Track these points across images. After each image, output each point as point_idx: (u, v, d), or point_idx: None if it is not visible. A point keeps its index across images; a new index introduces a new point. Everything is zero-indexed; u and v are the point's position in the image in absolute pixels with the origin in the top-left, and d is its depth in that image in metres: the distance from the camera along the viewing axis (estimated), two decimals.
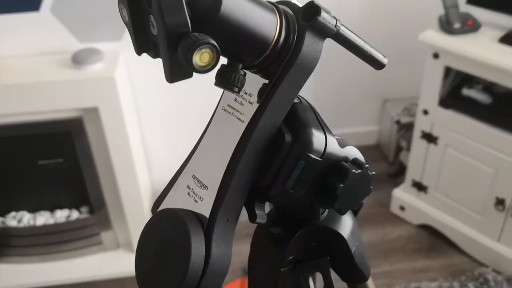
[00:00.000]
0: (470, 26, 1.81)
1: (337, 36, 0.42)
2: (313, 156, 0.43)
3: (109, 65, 1.69)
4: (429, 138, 1.99)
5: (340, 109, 2.53)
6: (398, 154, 2.39)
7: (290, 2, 0.42)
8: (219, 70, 0.38)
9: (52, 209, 2.03)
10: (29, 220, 2.00)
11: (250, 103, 0.42)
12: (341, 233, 0.55)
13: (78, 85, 1.69)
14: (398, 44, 2.31)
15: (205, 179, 0.44)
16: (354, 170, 0.45)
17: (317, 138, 0.44)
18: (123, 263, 2.03)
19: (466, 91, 1.90)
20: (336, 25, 0.41)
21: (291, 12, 0.41)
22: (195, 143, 0.48)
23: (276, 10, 0.40)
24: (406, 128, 2.31)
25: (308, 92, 2.62)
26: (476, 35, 1.81)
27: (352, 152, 0.49)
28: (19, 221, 2.00)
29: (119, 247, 2.08)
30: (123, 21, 0.37)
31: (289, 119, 0.43)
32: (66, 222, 1.99)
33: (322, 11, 0.39)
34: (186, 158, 0.48)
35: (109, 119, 1.76)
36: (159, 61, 0.35)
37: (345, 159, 0.47)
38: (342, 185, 0.45)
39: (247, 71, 0.41)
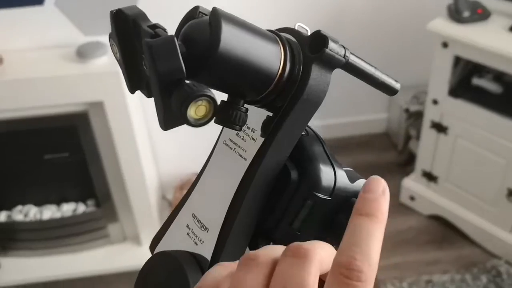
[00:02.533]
0: (480, 14, 1.77)
1: (347, 66, 0.38)
2: (321, 196, 0.40)
3: (114, 59, 1.66)
4: (439, 128, 1.97)
5: (349, 97, 2.50)
6: (407, 142, 2.37)
7: (294, 30, 0.39)
8: (218, 106, 0.35)
9: (58, 202, 2.03)
10: (35, 214, 2.00)
11: (253, 139, 0.40)
12: None
13: (83, 79, 1.68)
14: (407, 32, 2.28)
15: (205, 220, 0.42)
16: None
17: (326, 174, 0.40)
18: (130, 256, 2.02)
19: (476, 81, 1.86)
20: (345, 55, 0.37)
21: (295, 40, 0.38)
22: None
23: (279, 41, 0.36)
24: (415, 117, 2.29)
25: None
26: (486, 23, 1.78)
27: None
28: (26, 215, 2.00)
29: (126, 240, 2.08)
30: (115, 58, 0.35)
31: (295, 153, 0.40)
32: (72, 215, 1.98)
33: (329, 41, 0.36)
34: (187, 192, 0.46)
35: (114, 113, 1.74)
36: None
37: (356, 194, 0.44)
38: None
39: (250, 105, 0.38)
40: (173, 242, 0.44)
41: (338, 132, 2.55)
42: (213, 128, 0.39)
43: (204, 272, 0.32)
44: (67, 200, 2.03)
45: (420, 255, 2.02)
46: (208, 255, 0.39)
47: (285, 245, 0.30)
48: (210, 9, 0.33)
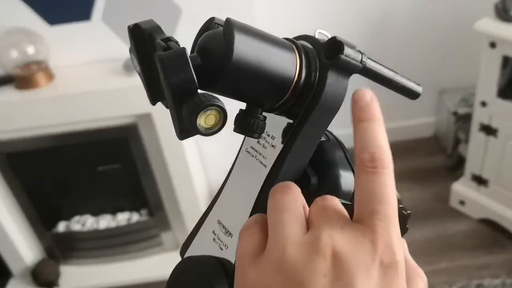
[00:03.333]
0: None
1: (364, 71, 0.38)
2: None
3: None
4: (488, 130, 1.93)
5: (395, 101, 2.46)
6: (456, 146, 2.32)
7: (311, 37, 0.39)
8: (237, 115, 0.37)
9: (113, 212, 2.10)
10: (92, 223, 2.08)
11: (273, 146, 0.40)
12: None
13: (131, 92, 1.72)
14: (454, 33, 2.24)
15: (230, 225, 0.43)
16: None
17: (346, 179, 0.41)
18: None
19: None
20: (362, 61, 0.37)
21: (311, 47, 0.38)
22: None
23: (295, 48, 0.37)
24: (464, 119, 2.24)
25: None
26: None
27: None
28: (83, 224, 2.08)
29: (179, 247, 2.11)
30: (135, 70, 0.37)
31: (315, 159, 0.40)
32: (127, 224, 2.05)
33: (345, 47, 0.36)
34: (213, 199, 0.47)
35: (162, 124, 1.79)
36: None
37: None
38: None
39: (269, 113, 0.39)
40: (201, 247, 0.46)
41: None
42: None
43: (228, 275, 0.35)
44: (121, 209, 2.10)
45: (470, 260, 1.99)
46: (232, 259, 0.39)
47: None
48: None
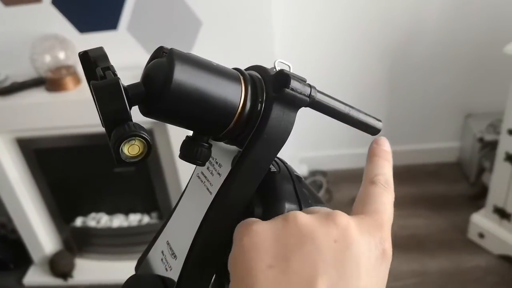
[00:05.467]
0: None
1: (313, 105, 0.37)
2: None
3: None
4: None
5: (418, 123, 2.38)
6: (480, 174, 2.18)
7: (263, 68, 0.38)
8: (183, 141, 0.37)
9: (127, 212, 2.19)
10: (106, 221, 2.17)
11: (219, 174, 0.40)
12: None
13: None
14: (483, 55, 2.11)
15: (176, 248, 0.43)
16: None
17: None
18: None
19: None
20: (310, 95, 0.36)
21: (261, 78, 0.37)
22: None
23: (242, 79, 0.36)
24: (490, 147, 2.10)
25: (385, 103, 2.54)
26: None
27: None
28: (98, 221, 2.18)
29: None
30: None
31: (263, 189, 0.39)
32: (138, 225, 2.13)
33: (292, 80, 0.35)
34: (167, 217, 0.47)
35: (175, 131, 1.84)
36: None
37: None
38: None
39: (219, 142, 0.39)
40: (151, 265, 0.46)
41: (406, 159, 2.43)
42: None
43: None
44: (134, 211, 2.18)
45: None
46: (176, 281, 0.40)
47: None
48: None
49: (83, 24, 1.93)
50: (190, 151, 0.36)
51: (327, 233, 0.31)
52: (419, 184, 2.30)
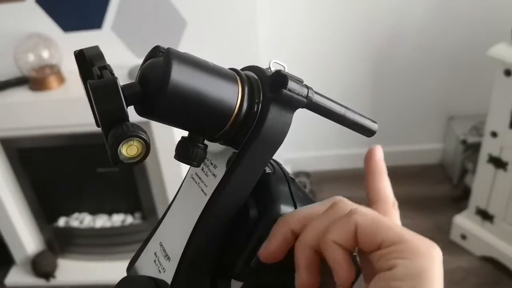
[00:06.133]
0: None
1: (310, 106, 0.37)
2: None
3: None
4: (498, 163, 1.81)
5: (402, 125, 2.40)
6: (463, 176, 2.20)
7: (259, 68, 0.38)
8: (179, 142, 0.37)
9: (109, 213, 2.18)
10: (89, 221, 2.16)
11: (214, 175, 0.40)
12: None
13: None
14: (466, 58, 2.13)
15: (169, 249, 0.43)
16: None
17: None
18: None
19: None
20: (307, 96, 0.36)
21: (257, 79, 0.37)
22: None
23: (238, 79, 0.36)
24: (473, 149, 2.12)
25: (369, 105, 2.56)
26: None
27: None
28: (81, 222, 2.17)
29: None
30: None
31: (258, 191, 0.39)
32: (121, 226, 2.12)
33: (289, 81, 0.35)
34: (160, 218, 0.47)
35: (159, 132, 1.84)
36: None
37: None
38: None
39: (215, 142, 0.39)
40: (144, 266, 0.46)
41: (390, 161, 2.36)
42: None
43: None
44: (117, 211, 2.17)
45: None
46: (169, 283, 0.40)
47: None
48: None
49: (67, 23, 1.92)
50: (185, 152, 0.36)
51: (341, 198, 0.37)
52: (402, 185, 2.29)
